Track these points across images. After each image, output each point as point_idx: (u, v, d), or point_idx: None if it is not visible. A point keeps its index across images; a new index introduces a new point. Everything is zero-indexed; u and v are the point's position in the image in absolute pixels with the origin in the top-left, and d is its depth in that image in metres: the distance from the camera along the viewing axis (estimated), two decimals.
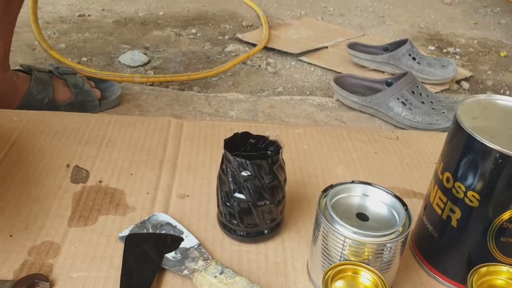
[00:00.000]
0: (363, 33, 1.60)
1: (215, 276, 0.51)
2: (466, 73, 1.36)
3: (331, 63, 1.35)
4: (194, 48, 1.42)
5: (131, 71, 1.25)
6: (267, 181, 0.53)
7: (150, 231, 0.57)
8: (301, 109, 1.10)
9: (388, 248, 0.47)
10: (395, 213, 0.50)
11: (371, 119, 1.08)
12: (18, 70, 0.95)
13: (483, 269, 0.45)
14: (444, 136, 0.53)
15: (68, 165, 0.67)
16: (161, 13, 1.66)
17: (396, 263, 0.50)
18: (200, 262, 0.53)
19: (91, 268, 0.52)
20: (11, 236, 0.55)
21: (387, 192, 0.52)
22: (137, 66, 1.27)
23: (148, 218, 0.59)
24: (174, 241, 0.55)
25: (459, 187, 0.49)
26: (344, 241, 0.47)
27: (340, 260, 0.48)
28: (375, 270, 0.45)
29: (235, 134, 0.57)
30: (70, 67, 1.04)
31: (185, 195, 0.63)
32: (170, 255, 0.54)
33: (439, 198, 0.52)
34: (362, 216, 0.50)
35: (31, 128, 0.74)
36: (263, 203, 0.54)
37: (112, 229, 0.57)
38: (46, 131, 0.73)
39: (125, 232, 0.57)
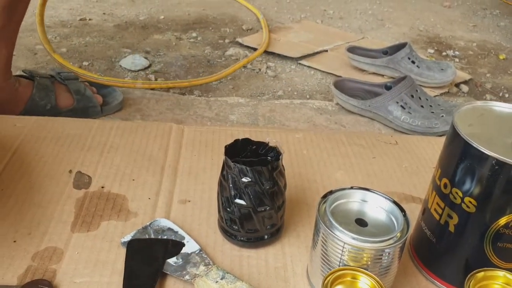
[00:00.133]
0: (363, 36, 1.61)
1: (216, 281, 0.51)
2: (465, 76, 1.37)
3: (330, 67, 1.35)
4: (195, 52, 1.43)
5: (132, 75, 1.26)
6: (267, 187, 0.54)
7: (152, 236, 0.58)
8: (301, 113, 1.11)
9: (387, 254, 0.48)
10: (393, 219, 0.51)
11: (371, 122, 1.09)
12: (20, 76, 0.96)
13: (480, 274, 0.46)
14: (442, 140, 0.54)
15: (70, 171, 0.68)
16: (162, 17, 1.67)
17: (395, 268, 0.51)
18: (202, 267, 0.53)
19: (94, 274, 0.53)
20: (14, 241, 0.56)
21: (385, 198, 0.52)
22: (138, 70, 1.28)
23: (150, 224, 0.59)
24: (175, 246, 0.56)
25: (456, 193, 0.50)
26: (343, 247, 0.48)
27: (339, 265, 0.49)
28: (373, 275, 0.46)
29: (236, 141, 0.58)
30: (72, 72, 1.05)
31: (186, 200, 0.64)
32: (171, 260, 0.54)
33: (437, 203, 0.53)
34: (361, 222, 0.51)
35: (34, 134, 0.74)
36: (263, 209, 0.55)
37: (115, 234, 0.58)
38: (48, 137, 0.74)
39: (127, 238, 0.57)
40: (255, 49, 1.42)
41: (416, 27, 1.76)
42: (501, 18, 1.93)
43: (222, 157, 0.55)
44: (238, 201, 0.55)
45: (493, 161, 0.46)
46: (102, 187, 0.65)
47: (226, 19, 1.69)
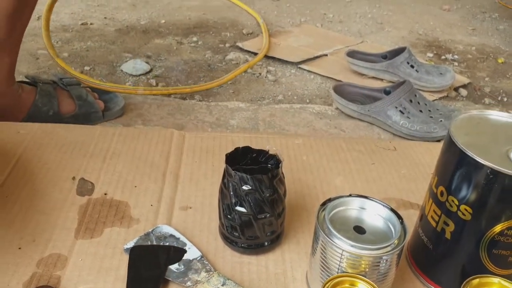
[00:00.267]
0: (362, 40, 1.62)
1: None
2: (464, 80, 1.38)
3: (330, 71, 1.36)
4: (196, 56, 1.44)
5: (133, 80, 1.27)
6: (267, 195, 0.55)
7: (154, 243, 0.59)
8: (301, 118, 1.12)
9: (384, 260, 0.49)
10: (391, 226, 0.52)
11: (370, 127, 1.10)
12: (23, 82, 0.97)
13: (476, 281, 0.47)
14: (440, 146, 0.55)
15: (73, 178, 0.69)
16: (163, 21, 1.68)
17: (392, 274, 0.52)
18: (203, 274, 0.54)
19: (97, 280, 0.54)
20: (19, 248, 0.57)
21: (383, 205, 0.53)
22: (139, 75, 1.29)
23: (152, 230, 0.61)
24: (177, 253, 0.57)
25: (452, 201, 0.51)
26: (341, 254, 0.49)
27: (338, 272, 0.50)
28: (371, 282, 0.47)
29: (236, 149, 0.59)
30: (75, 77, 1.06)
31: (188, 207, 0.65)
32: (173, 267, 0.55)
33: (434, 211, 0.54)
34: (359, 229, 0.52)
35: (37, 140, 0.76)
36: (263, 216, 0.56)
37: (118, 241, 0.59)
38: (52, 144, 0.75)
39: (130, 244, 0.58)
40: (255, 54, 1.43)
41: (415, 31, 1.78)
42: (500, 22, 1.94)
43: (223, 163, 0.56)
44: (238, 208, 0.56)
45: (488, 170, 0.47)
46: (105, 194, 0.66)
47: (226, 23, 1.70)
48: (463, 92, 1.32)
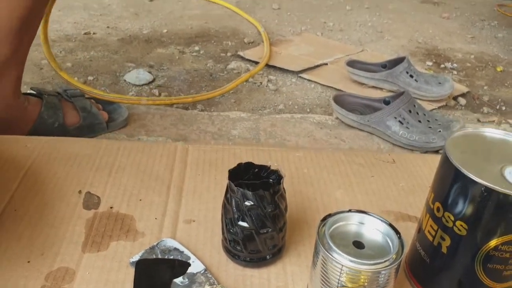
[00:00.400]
0: (362, 49, 1.64)
1: None
2: (463, 88, 1.40)
3: (330, 80, 1.38)
4: (197, 65, 1.46)
5: (136, 90, 1.29)
6: (269, 210, 0.57)
7: (159, 256, 0.61)
8: (302, 128, 1.13)
9: (383, 275, 0.51)
10: (389, 241, 0.54)
11: (370, 137, 1.12)
12: (29, 93, 0.99)
13: None
14: (438, 158, 0.56)
15: (80, 191, 0.71)
16: (165, 30, 1.70)
17: (391, 287, 0.53)
18: (207, 287, 0.56)
19: None
20: (28, 262, 0.59)
21: (381, 220, 0.55)
22: (142, 85, 1.31)
23: (157, 244, 0.62)
24: (181, 266, 0.59)
25: (448, 216, 0.52)
26: (341, 269, 0.50)
27: (338, 285, 0.52)
28: None
29: (239, 165, 0.61)
30: (79, 89, 1.08)
31: (191, 220, 0.67)
32: (178, 280, 0.57)
33: (431, 226, 0.55)
34: (358, 244, 0.54)
35: (45, 154, 0.77)
36: (265, 231, 0.58)
37: (123, 254, 0.61)
38: (58, 158, 0.77)
39: (136, 258, 0.60)
40: (256, 63, 1.45)
41: (415, 39, 1.79)
42: (499, 29, 1.96)
43: (225, 176, 0.58)
44: (241, 223, 0.57)
45: (482, 188, 0.48)
46: (111, 208, 0.68)
47: (227, 32, 1.72)
48: (462, 101, 1.33)
